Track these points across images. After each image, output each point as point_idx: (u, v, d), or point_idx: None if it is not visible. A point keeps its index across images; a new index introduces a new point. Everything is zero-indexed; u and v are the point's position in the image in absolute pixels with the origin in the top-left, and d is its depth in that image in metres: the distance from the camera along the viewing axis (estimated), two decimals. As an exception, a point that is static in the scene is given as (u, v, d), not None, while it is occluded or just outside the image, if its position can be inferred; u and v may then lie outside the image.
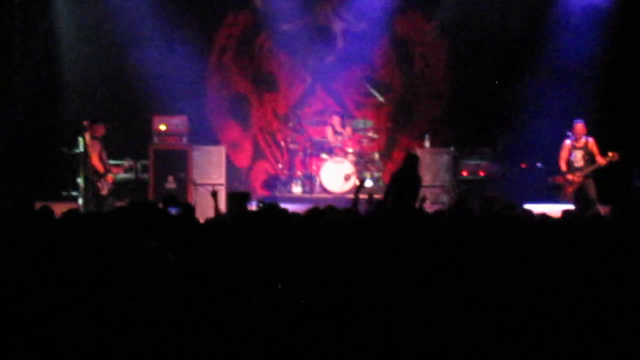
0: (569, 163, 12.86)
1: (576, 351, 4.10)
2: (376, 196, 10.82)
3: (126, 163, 13.43)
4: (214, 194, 9.43)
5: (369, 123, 15.52)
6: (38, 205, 7.63)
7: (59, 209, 7.42)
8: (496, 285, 4.62)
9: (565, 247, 5.57)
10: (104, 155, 12.61)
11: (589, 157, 12.75)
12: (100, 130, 12.59)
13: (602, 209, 11.67)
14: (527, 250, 5.49)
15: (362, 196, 11.11)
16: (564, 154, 12.91)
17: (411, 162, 11.57)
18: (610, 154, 12.54)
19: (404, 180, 11.25)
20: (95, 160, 12.50)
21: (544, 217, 7.00)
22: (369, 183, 14.41)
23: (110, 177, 12.60)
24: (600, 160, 12.59)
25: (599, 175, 12.75)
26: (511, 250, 5.45)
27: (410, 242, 5.67)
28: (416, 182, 11.47)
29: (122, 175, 13.27)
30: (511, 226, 6.50)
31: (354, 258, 5.04)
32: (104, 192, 12.49)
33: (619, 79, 14.74)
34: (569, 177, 12.80)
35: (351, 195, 14.03)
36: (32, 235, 5.57)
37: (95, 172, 12.48)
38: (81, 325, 3.86)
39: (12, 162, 13.73)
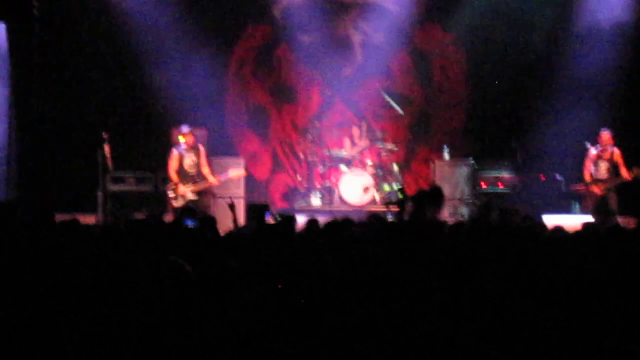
0: (592, 174, 12.68)
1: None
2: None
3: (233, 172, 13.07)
4: (232, 206, 9.33)
5: (388, 135, 15.46)
6: (59, 217, 7.63)
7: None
8: (515, 297, 4.60)
9: (583, 259, 5.53)
10: (187, 164, 12.45)
11: (614, 169, 12.55)
12: (188, 139, 12.49)
13: (623, 221, 11.55)
14: (546, 262, 5.46)
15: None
16: (588, 164, 12.73)
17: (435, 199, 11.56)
18: (635, 169, 12.33)
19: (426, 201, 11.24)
20: (170, 171, 12.48)
21: (558, 229, 6.95)
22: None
23: (180, 188, 12.36)
24: (626, 175, 12.37)
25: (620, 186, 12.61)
26: (530, 262, 5.43)
27: (428, 253, 5.66)
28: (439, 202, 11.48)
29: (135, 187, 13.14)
30: (530, 238, 6.47)
31: (371, 269, 5.03)
32: (177, 203, 12.28)
33: (639, 92, 14.67)
34: (592, 188, 12.64)
35: (374, 208, 14.04)
36: (55, 248, 5.59)
37: (167, 182, 12.50)
38: (96, 340, 3.88)
39: (31, 174, 13.80)
